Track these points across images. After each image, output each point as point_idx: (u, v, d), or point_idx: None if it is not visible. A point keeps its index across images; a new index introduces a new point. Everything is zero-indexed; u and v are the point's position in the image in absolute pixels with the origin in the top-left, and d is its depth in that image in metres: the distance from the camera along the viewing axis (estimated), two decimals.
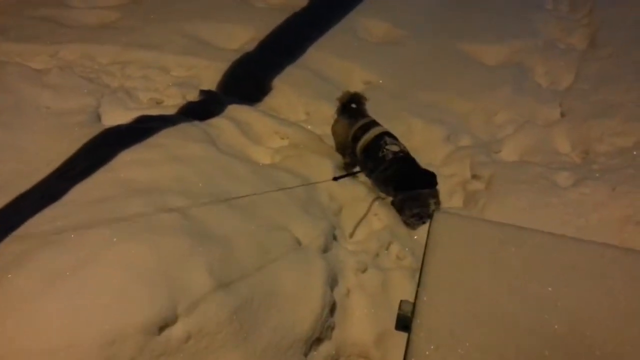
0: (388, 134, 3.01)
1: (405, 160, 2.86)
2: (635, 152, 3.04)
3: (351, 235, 2.80)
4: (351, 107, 3.13)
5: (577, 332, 1.06)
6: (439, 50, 4.51)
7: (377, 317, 2.38)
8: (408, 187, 2.79)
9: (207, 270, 1.98)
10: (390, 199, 2.98)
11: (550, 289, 1.14)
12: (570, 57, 4.37)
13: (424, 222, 2.79)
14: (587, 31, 4.79)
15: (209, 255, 2.05)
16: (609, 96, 3.65)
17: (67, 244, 2.02)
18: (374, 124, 3.07)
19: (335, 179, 2.71)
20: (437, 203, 2.84)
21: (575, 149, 3.35)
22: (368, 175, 3.02)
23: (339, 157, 3.18)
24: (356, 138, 3.01)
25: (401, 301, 1.26)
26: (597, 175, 2.90)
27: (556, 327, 1.06)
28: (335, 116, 3.20)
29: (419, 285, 1.17)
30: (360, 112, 3.12)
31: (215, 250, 2.08)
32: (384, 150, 2.87)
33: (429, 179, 2.83)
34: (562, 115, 3.69)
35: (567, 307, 1.11)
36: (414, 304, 1.15)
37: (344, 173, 2.97)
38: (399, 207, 2.85)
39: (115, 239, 2.02)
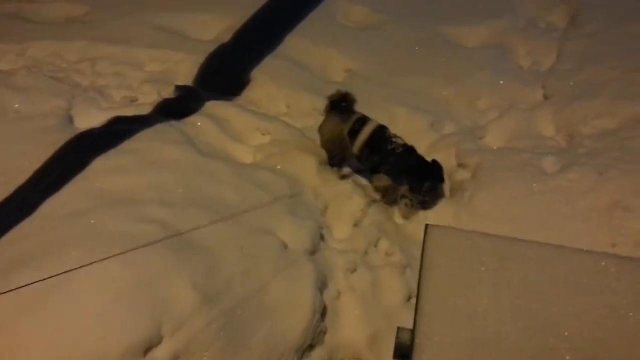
0: (385, 127, 3.00)
1: (416, 152, 2.93)
2: (620, 134, 3.01)
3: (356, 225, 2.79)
4: (341, 105, 3.04)
5: (584, 358, 1.01)
6: (419, 34, 4.41)
7: (369, 318, 2.34)
8: (431, 177, 2.88)
9: (191, 285, 1.91)
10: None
11: (554, 309, 1.09)
12: (551, 36, 4.32)
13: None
14: (568, 9, 4.72)
15: (193, 268, 1.97)
16: (591, 76, 3.61)
17: (42, 264, 1.93)
18: (368, 118, 3.02)
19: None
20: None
21: (560, 132, 3.32)
22: (374, 168, 2.97)
23: (323, 153, 3.10)
24: (354, 132, 2.94)
25: (398, 329, 1.21)
26: (583, 160, 2.87)
27: (562, 353, 1.02)
28: (324, 115, 3.10)
29: (416, 313, 1.12)
30: (349, 110, 3.04)
31: (199, 263, 2.01)
32: (392, 142, 2.89)
33: (441, 171, 2.94)
34: (546, 97, 3.65)
35: (573, 330, 1.06)
36: (413, 333, 1.09)
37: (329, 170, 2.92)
38: (422, 192, 2.86)
39: (92, 258, 1.93)
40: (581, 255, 1.22)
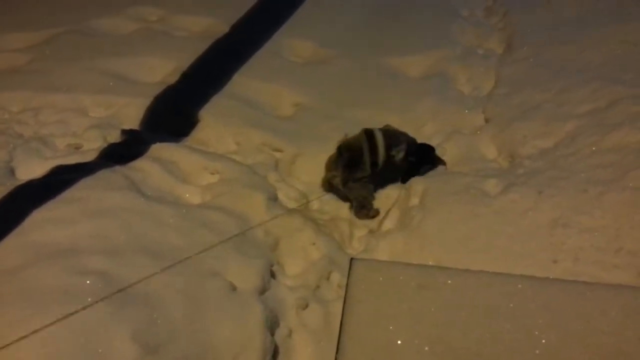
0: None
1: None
2: (555, 153, 3.13)
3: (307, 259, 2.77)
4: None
5: None
6: (364, 67, 4.54)
7: (322, 354, 2.30)
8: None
9: (131, 337, 1.84)
10: None
11: (471, 335, 1.11)
12: (489, 62, 4.52)
13: None
14: (503, 35, 4.97)
15: (132, 319, 1.91)
16: (528, 98, 3.77)
17: None
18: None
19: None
20: None
21: (502, 154, 3.43)
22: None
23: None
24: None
25: None
26: (522, 179, 2.96)
27: None
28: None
29: (337, 351, 1.11)
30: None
31: (139, 312, 1.95)
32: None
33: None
34: (486, 121, 3.78)
35: (489, 356, 1.07)
36: None
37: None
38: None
39: (26, 317, 1.85)
40: (498, 278, 1.24)
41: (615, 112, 3.24)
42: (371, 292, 1.23)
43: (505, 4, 5.47)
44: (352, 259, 1.33)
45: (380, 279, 1.26)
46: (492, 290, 1.22)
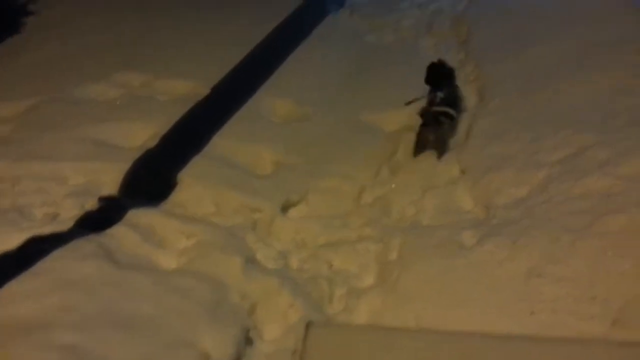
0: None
1: None
2: (529, 202, 3.17)
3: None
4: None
5: None
6: (342, 123, 4.65)
7: None
8: None
9: None
10: None
11: None
12: (463, 114, 4.62)
13: None
14: (475, 86, 5.12)
15: None
16: (501, 149, 3.83)
17: None
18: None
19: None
20: None
21: (478, 204, 3.45)
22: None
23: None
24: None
25: None
26: (498, 230, 2.98)
27: None
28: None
29: None
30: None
31: None
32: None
33: None
34: (462, 172, 3.83)
35: None
36: None
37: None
38: None
39: None
40: (459, 338, 1.23)
41: (585, 158, 3.30)
42: (325, 359, 1.21)
43: (476, 57, 5.66)
44: (307, 323, 1.32)
45: (337, 344, 1.24)
46: (450, 351, 1.20)
